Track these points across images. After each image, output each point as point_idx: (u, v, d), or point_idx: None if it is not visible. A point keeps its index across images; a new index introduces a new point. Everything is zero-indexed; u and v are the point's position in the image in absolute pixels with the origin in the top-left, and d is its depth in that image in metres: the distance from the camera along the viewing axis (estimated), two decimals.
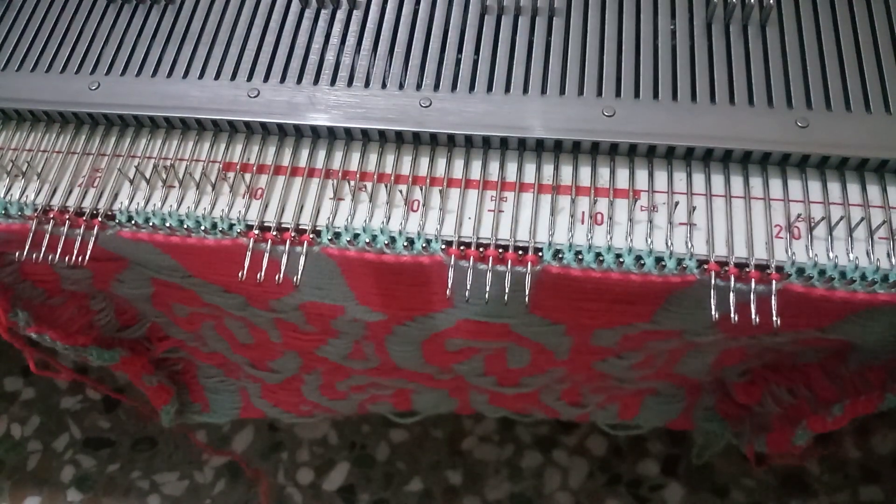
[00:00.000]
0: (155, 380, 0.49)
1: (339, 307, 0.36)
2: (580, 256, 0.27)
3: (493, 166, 0.29)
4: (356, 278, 0.32)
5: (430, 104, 0.29)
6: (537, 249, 0.27)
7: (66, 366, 0.43)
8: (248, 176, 0.30)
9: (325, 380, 0.50)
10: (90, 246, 0.29)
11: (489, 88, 0.30)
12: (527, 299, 0.26)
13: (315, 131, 0.30)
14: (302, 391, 0.52)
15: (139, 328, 0.46)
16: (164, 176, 0.30)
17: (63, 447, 0.57)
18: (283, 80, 0.31)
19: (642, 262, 0.26)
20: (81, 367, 0.43)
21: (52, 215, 0.30)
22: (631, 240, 0.27)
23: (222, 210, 0.29)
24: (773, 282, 0.26)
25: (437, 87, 0.30)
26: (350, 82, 0.31)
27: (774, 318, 0.25)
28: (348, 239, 0.28)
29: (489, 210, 0.28)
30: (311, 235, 0.28)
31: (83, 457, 0.56)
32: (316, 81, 0.31)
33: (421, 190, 0.29)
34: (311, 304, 0.37)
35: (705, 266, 0.26)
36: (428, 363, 0.43)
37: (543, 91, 0.29)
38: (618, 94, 0.29)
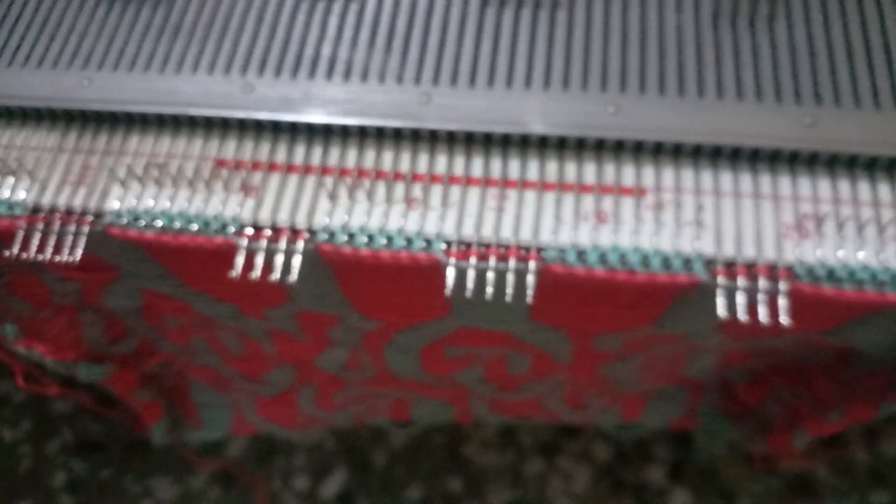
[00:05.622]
0: (146, 396, 0.49)
1: (335, 315, 0.36)
2: (584, 256, 0.26)
3: (495, 163, 0.28)
4: (350, 285, 0.31)
5: (430, 99, 0.29)
6: (540, 249, 0.26)
7: (55, 379, 0.42)
8: (241, 173, 0.29)
9: (321, 391, 0.50)
10: (81, 244, 0.29)
11: (490, 83, 0.29)
12: (529, 299, 0.26)
13: (311, 128, 0.30)
14: (297, 404, 0.52)
15: (129, 343, 0.45)
16: (155, 173, 0.29)
17: (55, 451, 0.56)
18: (278, 74, 0.30)
19: (648, 261, 0.26)
20: (70, 380, 0.42)
21: (41, 213, 0.29)
22: (636, 239, 0.26)
23: (215, 208, 0.28)
24: (782, 281, 0.25)
25: (436, 81, 0.29)
26: (347, 76, 0.30)
27: (783, 319, 0.25)
28: (345, 238, 0.27)
29: (491, 209, 0.27)
30: (306, 234, 0.27)
31: (75, 461, 0.55)
32: (312, 76, 0.30)
33: (420, 188, 0.28)
34: (306, 314, 0.36)
35: (712, 266, 0.26)
36: (427, 372, 0.43)
37: (546, 86, 0.29)
38: (623, 88, 0.28)
